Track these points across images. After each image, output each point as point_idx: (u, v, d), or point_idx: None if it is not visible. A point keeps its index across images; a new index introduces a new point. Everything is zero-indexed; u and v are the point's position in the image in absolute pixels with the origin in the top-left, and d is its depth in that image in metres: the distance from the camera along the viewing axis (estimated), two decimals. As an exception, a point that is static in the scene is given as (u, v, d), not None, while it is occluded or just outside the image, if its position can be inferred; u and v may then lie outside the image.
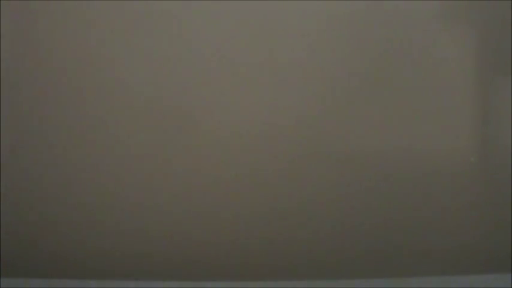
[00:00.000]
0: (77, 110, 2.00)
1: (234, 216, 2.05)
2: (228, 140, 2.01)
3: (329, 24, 1.95)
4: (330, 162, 2.01)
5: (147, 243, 2.07)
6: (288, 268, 2.07)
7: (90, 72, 1.98)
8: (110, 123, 2.01)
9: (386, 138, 2.00)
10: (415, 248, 2.06)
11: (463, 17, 1.96)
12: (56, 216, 2.06)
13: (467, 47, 1.97)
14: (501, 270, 2.06)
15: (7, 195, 2.05)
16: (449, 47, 1.98)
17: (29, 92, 2.00)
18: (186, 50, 1.97)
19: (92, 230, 2.06)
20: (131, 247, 2.07)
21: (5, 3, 1.96)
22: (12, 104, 2.01)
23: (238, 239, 2.06)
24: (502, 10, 1.95)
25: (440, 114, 2.00)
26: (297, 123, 2.00)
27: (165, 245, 2.07)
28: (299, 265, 2.07)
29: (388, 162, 2.01)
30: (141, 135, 2.01)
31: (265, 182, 2.02)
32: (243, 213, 2.05)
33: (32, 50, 1.98)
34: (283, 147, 2.01)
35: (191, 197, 2.04)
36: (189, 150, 2.02)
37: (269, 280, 2.07)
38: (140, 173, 2.03)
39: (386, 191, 2.03)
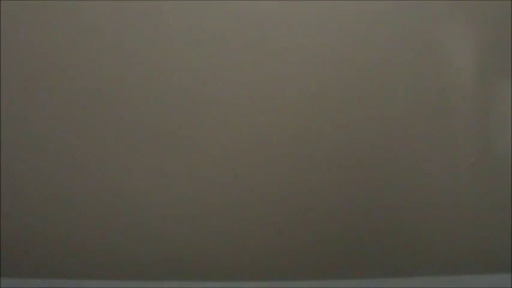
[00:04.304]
0: (77, 110, 2.00)
1: (234, 217, 2.05)
2: (228, 140, 2.01)
3: (329, 24, 1.96)
4: (330, 163, 2.01)
5: (147, 244, 2.07)
6: (287, 268, 2.07)
7: (91, 72, 1.99)
8: (110, 124, 2.01)
9: (386, 138, 2.00)
10: (415, 248, 2.06)
11: (464, 17, 1.96)
12: (56, 217, 2.06)
13: (468, 47, 1.97)
14: (501, 270, 2.06)
15: (7, 196, 2.05)
16: (449, 47, 1.98)
17: (29, 92, 2.00)
18: (187, 49, 1.97)
19: (92, 230, 2.06)
20: (131, 247, 2.07)
21: (5, 3, 1.96)
22: (12, 104, 2.01)
23: (238, 239, 2.06)
24: (502, 10, 1.95)
25: (440, 114, 2.00)
26: (298, 122, 2.00)
27: (165, 245, 2.07)
28: (299, 265, 2.07)
29: (389, 162, 2.02)
30: (141, 135, 2.01)
31: (265, 182, 2.02)
32: (243, 214, 2.05)
33: (32, 49, 1.98)
34: (283, 148, 2.01)
35: (191, 198, 2.04)
36: (189, 151, 2.02)
37: (269, 280, 2.07)
38: (140, 173, 2.03)
39: (386, 191, 2.03)
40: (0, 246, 2.07)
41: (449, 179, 2.03)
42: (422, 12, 1.95)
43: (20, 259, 2.08)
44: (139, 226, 2.05)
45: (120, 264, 2.08)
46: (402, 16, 1.95)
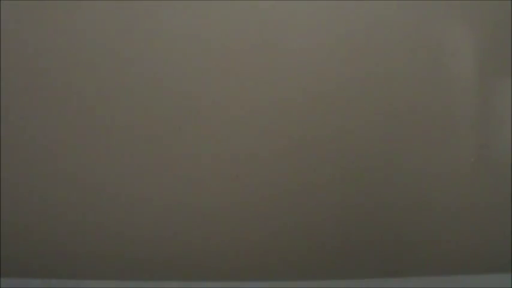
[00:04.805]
0: (77, 110, 2.00)
1: (234, 216, 2.05)
2: (229, 140, 2.01)
3: (330, 24, 1.96)
4: (331, 164, 2.01)
5: (147, 244, 2.07)
6: (287, 268, 2.07)
7: (90, 72, 1.98)
8: (110, 124, 2.01)
9: (387, 138, 2.01)
10: (415, 248, 2.06)
11: (464, 17, 1.96)
12: (56, 217, 2.06)
13: (468, 47, 1.97)
14: (501, 270, 2.06)
15: (7, 195, 2.05)
16: (449, 47, 1.98)
17: (30, 92, 2.00)
18: (188, 49, 1.97)
19: (92, 230, 2.06)
20: (131, 248, 2.07)
21: (5, 3, 1.96)
22: (13, 104, 2.01)
23: (238, 239, 2.06)
24: (502, 10, 1.96)
25: (440, 114, 2.00)
26: (299, 122, 2.00)
27: (165, 245, 2.07)
28: (299, 265, 2.07)
29: (389, 162, 2.02)
30: (141, 135, 2.01)
31: (266, 182, 2.02)
32: (243, 214, 2.05)
33: (33, 48, 1.98)
34: (284, 148, 2.01)
35: (191, 197, 2.04)
36: (188, 152, 2.02)
37: (269, 280, 2.07)
38: (140, 174, 2.03)
39: (386, 191, 2.03)
40: (0, 246, 2.07)
41: (449, 179, 2.03)
42: (422, 13, 1.95)
43: (20, 259, 2.08)
44: (139, 226, 2.05)
45: (120, 264, 2.08)
46: (402, 16, 1.95)
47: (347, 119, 1.99)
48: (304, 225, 2.04)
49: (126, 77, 1.98)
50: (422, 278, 2.06)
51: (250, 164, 2.02)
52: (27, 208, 2.06)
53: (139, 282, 2.07)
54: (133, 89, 1.99)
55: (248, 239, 2.05)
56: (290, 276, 2.07)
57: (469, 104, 2.00)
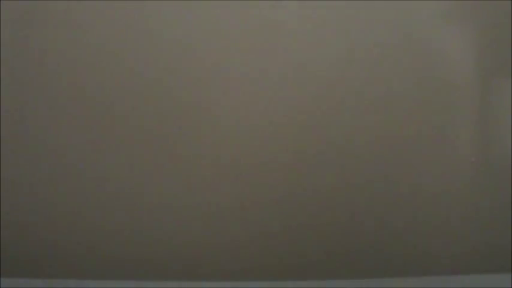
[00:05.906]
0: (76, 109, 2.00)
1: (234, 217, 2.05)
2: (229, 141, 2.01)
3: (329, 25, 1.96)
4: (331, 164, 2.01)
5: (147, 244, 2.06)
6: (288, 268, 2.07)
7: (90, 72, 1.98)
8: (110, 124, 2.01)
9: (387, 139, 2.00)
10: (415, 248, 2.06)
11: (464, 17, 1.96)
12: (56, 217, 2.06)
13: (468, 47, 1.97)
14: (501, 270, 2.06)
15: (7, 196, 2.05)
16: (449, 47, 1.98)
17: (31, 91, 2.00)
18: (189, 49, 1.97)
19: (92, 230, 2.06)
20: (131, 247, 2.07)
21: (5, 3, 1.96)
22: (14, 103, 2.01)
23: (238, 239, 2.06)
24: (502, 10, 1.95)
25: (440, 114, 2.00)
26: (299, 123, 2.00)
27: (165, 245, 2.07)
28: (299, 265, 2.07)
29: (389, 163, 2.02)
30: (141, 135, 2.01)
31: (266, 183, 2.02)
32: (243, 214, 2.05)
33: (34, 48, 1.98)
34: (284, 148, 2.01)
35: (191, 198, 2.04)
36: (188, 152, 2.02)
37: (269, 280, 2.07)
38: (140, 174, 2.03)
39: (386, 191, 2.03)
40: (0, 246, 2.07)
41: (449, 179, 2.03)
42: (423, 13, 1.95)
43: (20, 259, 2.08)
44: (138, 226, 2.05)
45: (120, 264, 2.08)
46: (402, 17, 1.95)
47: (347, 119, 1.99)
48: (304, 225, 2.04)
49: (126, 77, 1.98)
50: (422, 278, 2.06)
51: (251, 165, 2.01)
52: (27, 208, 2.05)
53: (139, 282, 2.07)
54: (134, 89, 1.99)
55: (248, 239, 2.05)
56: (290, 276, 2.07)
57: (469, 104, 2.00)
